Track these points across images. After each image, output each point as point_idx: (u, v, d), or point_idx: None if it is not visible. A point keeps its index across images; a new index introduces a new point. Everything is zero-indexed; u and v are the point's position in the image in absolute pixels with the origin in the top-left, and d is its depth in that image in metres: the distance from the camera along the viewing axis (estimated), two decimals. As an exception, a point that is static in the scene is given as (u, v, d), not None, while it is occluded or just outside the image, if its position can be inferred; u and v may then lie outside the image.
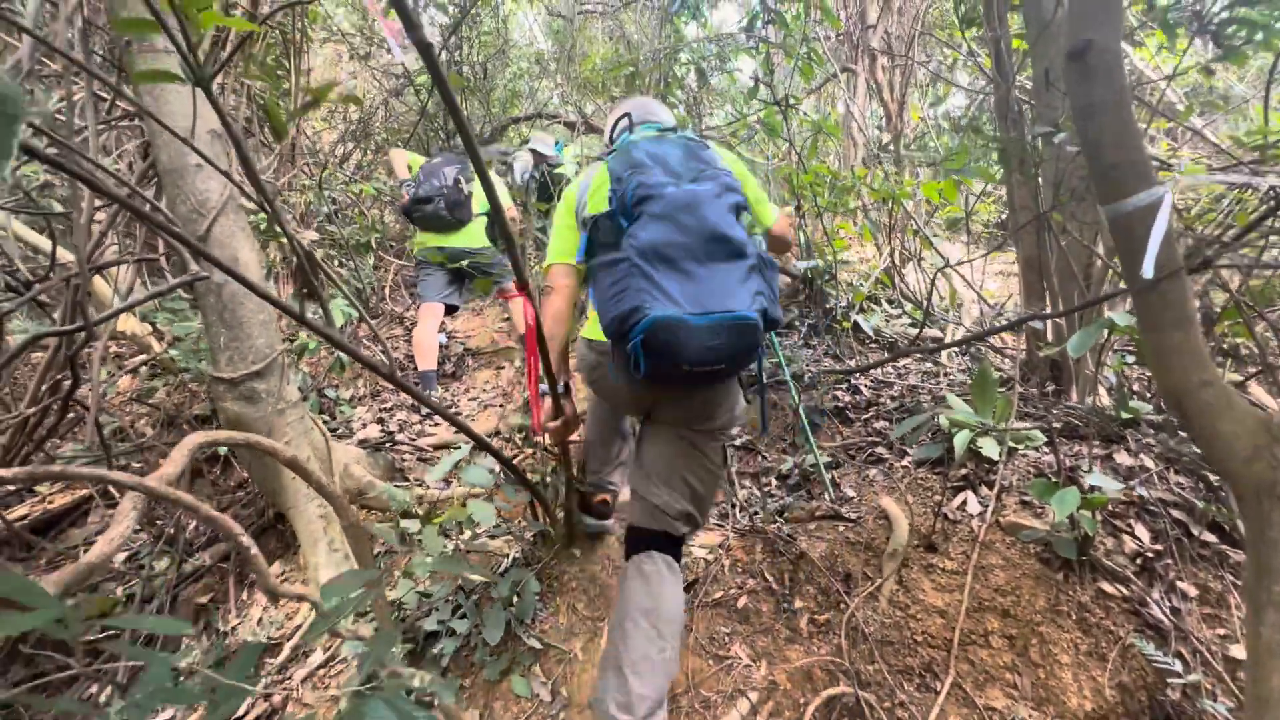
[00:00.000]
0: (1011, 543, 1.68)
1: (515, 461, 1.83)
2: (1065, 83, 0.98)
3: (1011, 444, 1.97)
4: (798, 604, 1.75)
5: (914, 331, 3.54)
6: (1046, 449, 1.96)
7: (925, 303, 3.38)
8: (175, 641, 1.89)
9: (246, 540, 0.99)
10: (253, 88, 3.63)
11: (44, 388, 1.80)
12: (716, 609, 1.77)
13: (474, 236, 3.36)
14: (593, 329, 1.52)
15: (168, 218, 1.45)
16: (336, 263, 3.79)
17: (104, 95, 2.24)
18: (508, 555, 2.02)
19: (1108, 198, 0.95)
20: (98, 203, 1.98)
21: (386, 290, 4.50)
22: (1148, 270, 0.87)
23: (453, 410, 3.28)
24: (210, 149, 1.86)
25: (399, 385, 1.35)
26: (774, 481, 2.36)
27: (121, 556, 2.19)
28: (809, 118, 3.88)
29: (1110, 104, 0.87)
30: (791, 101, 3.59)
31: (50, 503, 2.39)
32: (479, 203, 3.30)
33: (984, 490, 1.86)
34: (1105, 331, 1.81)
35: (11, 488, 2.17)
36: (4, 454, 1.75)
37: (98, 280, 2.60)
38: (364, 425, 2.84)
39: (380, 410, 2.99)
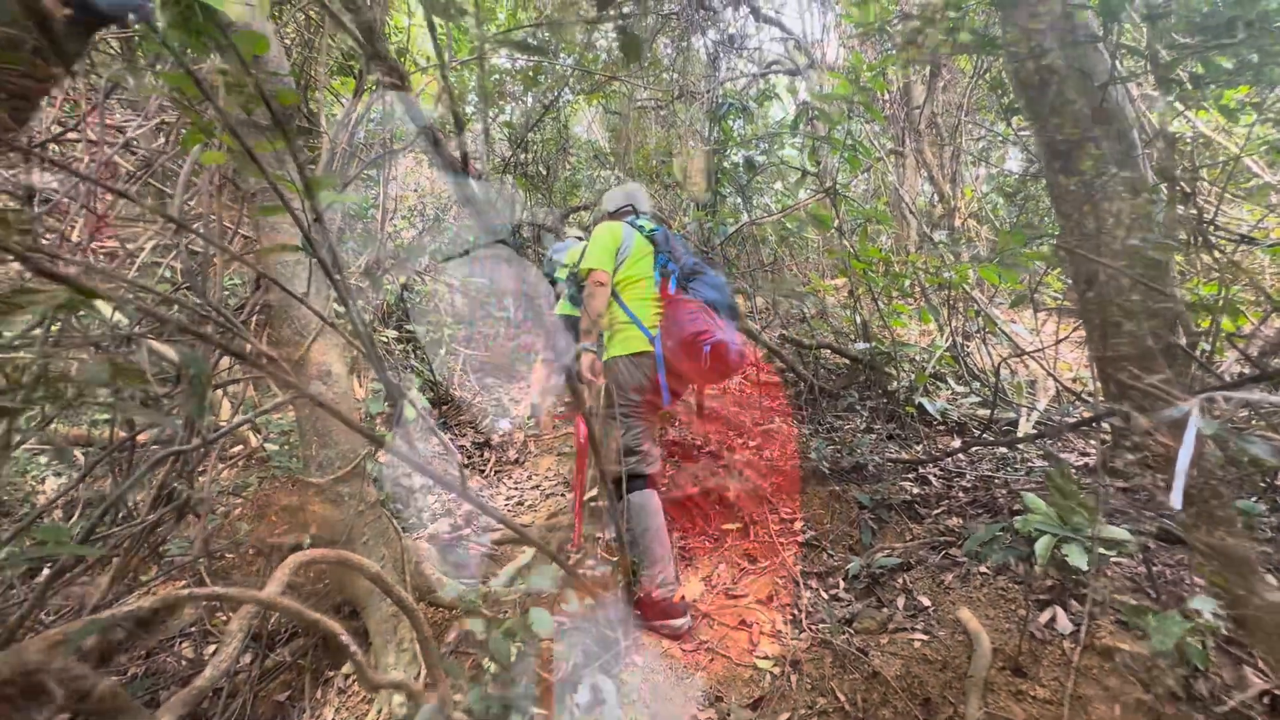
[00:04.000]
0: (1110, 669, 1.53)
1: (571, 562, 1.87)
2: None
3: (1101, 550, 1.83)
4: (873, 730, 1.64)
5: (982, 412, 3.39)
6: (1141, 556, 1.81)
7: (994, 388, 3.26)
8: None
9: (346, 638, 1.11)
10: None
11: (161, 494, 2.00)
12: (785, 731, 1.69)
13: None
14: (632, 344, 2.25)
15: (273, 359, 1.64)
16: (413, 356, 4.08)
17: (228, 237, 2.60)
18: (568, 660, 2.01)
19: (1140, 410, 0.96)
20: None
21: (456, 378, 4.76)
22: (1175, 501, 0.86)
23: (517, 500, 3.37)
24: (315, 273, 2.13)
25: (473, 502, 1.44)
26: (841, 584, 2.27)
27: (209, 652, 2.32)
28: (857, 205, 3.97)
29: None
30: (839, 189, 3.70)
31: (152, 593, 2.59)
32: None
33: (1074, 604, 1.73)
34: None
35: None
36: (125, 556, 1.94)
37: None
38: (434, 517, 2.95)
39: (449, 501, 3.11)
